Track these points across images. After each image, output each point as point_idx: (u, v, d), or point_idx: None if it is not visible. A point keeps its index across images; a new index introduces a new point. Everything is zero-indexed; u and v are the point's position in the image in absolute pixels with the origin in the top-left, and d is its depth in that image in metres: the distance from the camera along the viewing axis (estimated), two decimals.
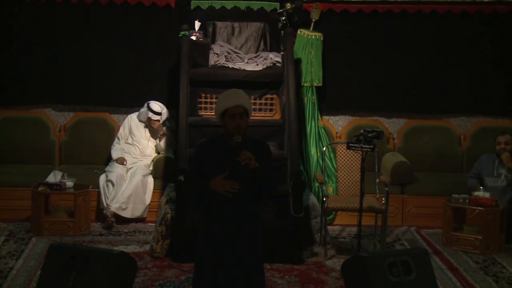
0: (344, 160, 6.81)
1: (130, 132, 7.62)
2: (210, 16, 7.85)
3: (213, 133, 6.51)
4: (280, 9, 7.60)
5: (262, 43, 7.83)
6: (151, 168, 7.39)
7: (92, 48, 7.86)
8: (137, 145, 7.54)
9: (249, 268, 4.24)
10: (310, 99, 7.70)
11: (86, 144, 7.87)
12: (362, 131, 5.98)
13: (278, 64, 7.40)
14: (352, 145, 5.95)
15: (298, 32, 7.69)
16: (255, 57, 7.61)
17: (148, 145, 7.57)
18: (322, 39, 7.74)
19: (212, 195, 4.22)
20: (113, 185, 7.12)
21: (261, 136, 6.50)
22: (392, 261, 4.21)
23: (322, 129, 7.75)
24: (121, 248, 6.24)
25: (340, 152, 6.85)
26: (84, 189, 6.87)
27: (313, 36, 7.71)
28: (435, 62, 8.00)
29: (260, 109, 7.22)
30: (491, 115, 8.14)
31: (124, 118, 7.76)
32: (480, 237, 6.51)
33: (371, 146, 5.83)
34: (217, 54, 7.50)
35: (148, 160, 7.46)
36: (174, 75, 7.53)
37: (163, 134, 7.50)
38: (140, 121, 7.59)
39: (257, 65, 7.39)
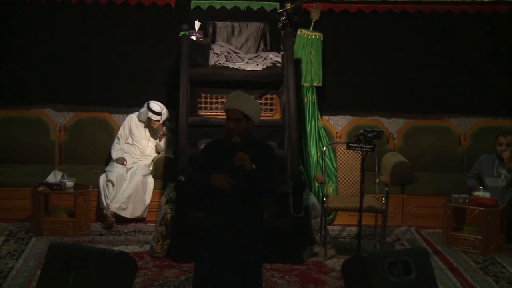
0: (344, 160, 6.81)
1: (130, 132, 7.61)
2: (210, 16, 7.85)
3: (213, 133, 6.53)
4: (280, 9, 7.60)
5: (262, 43, 7.83)
6: (151, 168, 7.39)
7: (92, 48, 7.86)
8: (137, 145, 7.54)
9: (247, 269, 4.23)
10: (310, 99, 7.70)
11: (86, 144, 7.87)
12: (362, 131, 5.97)
13: (278, 64, 7.40)
14: (352, 145, 5.95)
15: (298, 32, 7.69)
16: (255, 57, 7.60)
17: (148, 145, 7.57)
18: (322, 39, 7.74)
19: (212, 195, 4.23)
20: (113, 185, 7.12)
21: (261, 136, 6.50)
22: (392, 261, 4.21)
23: (322, 129, 7.75)
24: (121, 248, 6.23)
25: (340, 152, 6.85)
26: (84, 189, 6.87)
27: (313, 36, 7.71)
28: (435, 62, 8.00)
29: None
30: (491, 115, 8.14)
31: (124, 118, 7.76)
32: (480, 237, 6.50)
33: (371, 146, 5.83)
34: (217, 54, 7.50)
35: (148, 160, 7.45)
36: (174, 75, 7.53)
37: (163, 134, 7.50)
38: (140, 121, 7.59)
39: (257, 65, 7.39)
